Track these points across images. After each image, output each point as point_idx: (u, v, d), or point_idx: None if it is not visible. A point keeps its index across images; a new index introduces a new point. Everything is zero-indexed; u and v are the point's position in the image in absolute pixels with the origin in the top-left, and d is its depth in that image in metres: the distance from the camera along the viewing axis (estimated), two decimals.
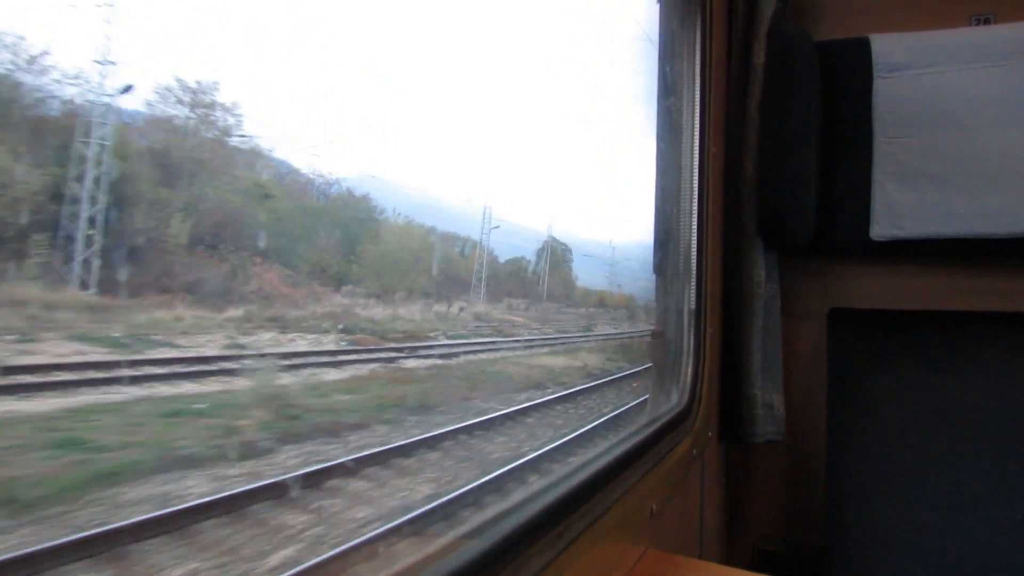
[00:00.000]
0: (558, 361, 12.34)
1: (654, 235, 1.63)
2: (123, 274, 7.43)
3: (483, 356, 11.44)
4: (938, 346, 1.79)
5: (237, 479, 4.12)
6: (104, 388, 5.00)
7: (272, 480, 4.08)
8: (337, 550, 3.07)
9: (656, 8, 1.60)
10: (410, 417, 6.41)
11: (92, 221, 7.45)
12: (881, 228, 1.84)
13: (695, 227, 1.58)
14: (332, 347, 9.18)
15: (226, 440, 4.72)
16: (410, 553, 0.64)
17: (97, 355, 5.70)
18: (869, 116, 1.85)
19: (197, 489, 3.86)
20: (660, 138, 1.62)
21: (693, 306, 1.57)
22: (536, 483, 0.90)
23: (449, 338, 12.80)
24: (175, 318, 7.61)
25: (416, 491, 4.52)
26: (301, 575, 2.81)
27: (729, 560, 1.95)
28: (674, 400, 1.50)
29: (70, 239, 7.13)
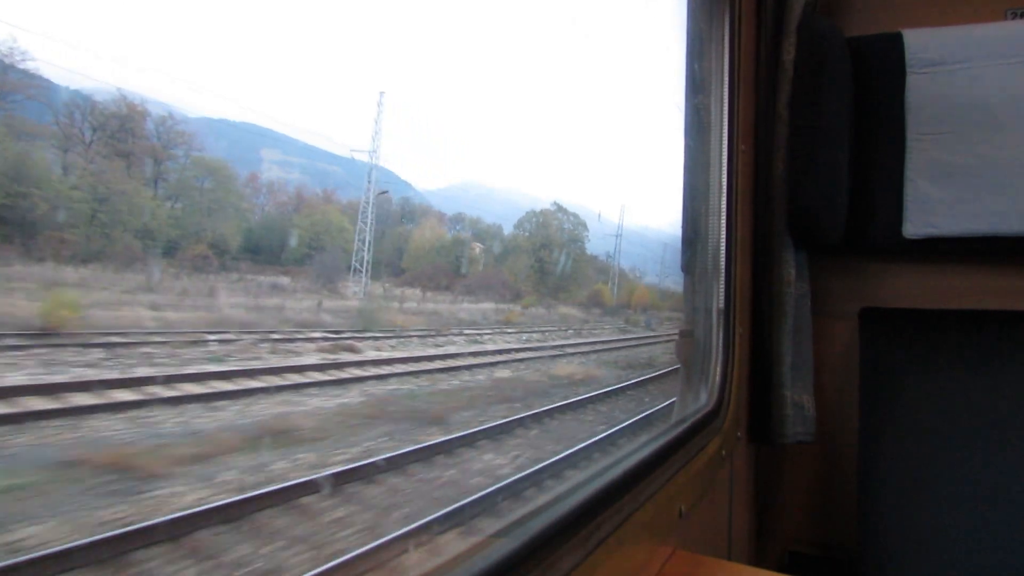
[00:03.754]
0: None
1: (682, 233, 1.62)
2: None
3: None
4: (973, 346, 1.75)
5: None
6: None
7: None
8: None
9: (684, 4, 1.59)
10: None
11: None
12: (914, 226, 1.80)
13: (724, 226, 1.57)
14: None
15: None
16: (442, 552, 0.65)
17: None
18: (902, 112, 1.81)
19: None
20: (688, 136, 1.61)
21: (722, 305, 1.56)
22: (566, 483, 0.90)
23: None
24: None
25: None
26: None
27: (758, 562, 1.94)
28: (703, 400, 1.49)
29: None
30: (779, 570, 1.22)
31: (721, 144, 1.59)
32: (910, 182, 1.80)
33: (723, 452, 1.44)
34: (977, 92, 1.74)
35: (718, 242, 1.57)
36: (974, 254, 1.84)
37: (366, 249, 16.84)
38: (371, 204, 17.35)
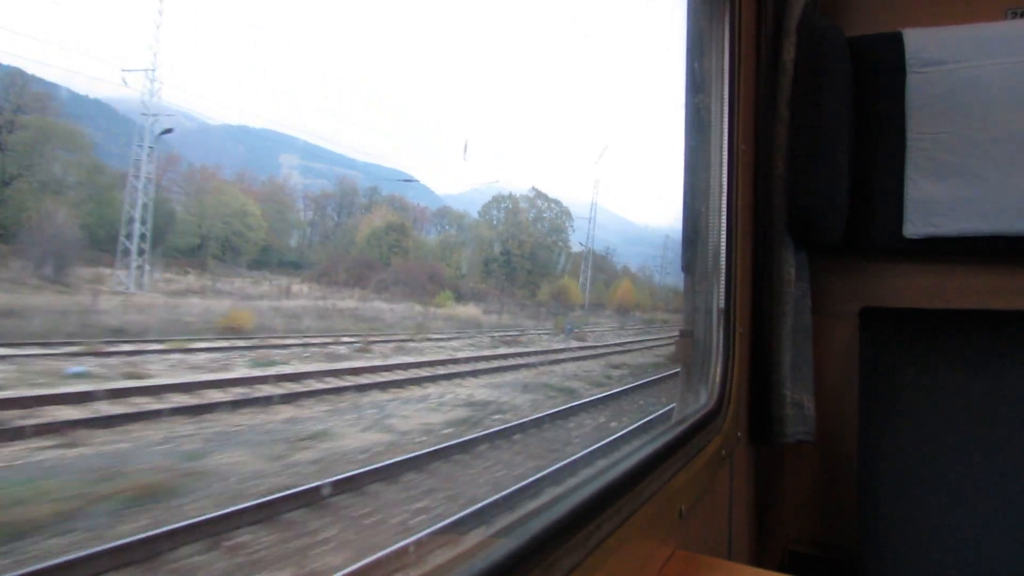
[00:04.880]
0: None
1: (682, 233, 1.62)
2: None
3: None
4: (973, 346, 1.75)
5: None
6: None
7: None
8: None
9: (684, 4, 1.59)
10: None
11: None
12: (915, 226, 1.80)
13: (724, 225, 1.57)
14: None
15: None
16: (442, 552, 0.64)
17: None
18: (902, 112, 1.81)
19: None
20: (688, 135, 1.61)
21: (722, 305, 1.56)
22: (566, 483, 0.89)
23: None
24: None
25: None
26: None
27: (759, 561, 1.93)
28: (703, 400, 1.49)
29: None
30: (779, 570, 1.22)
31: (721, 143, 1.58)
32: (910, 181, 1.80)
33: (723, 452, 1.44)
34: (977, 91, 1.74)
35: (718, 242, 1.57)
36: (975, 254, 1.84)
37: (139, 219, 11.30)
38: (145, 149, 11.56)
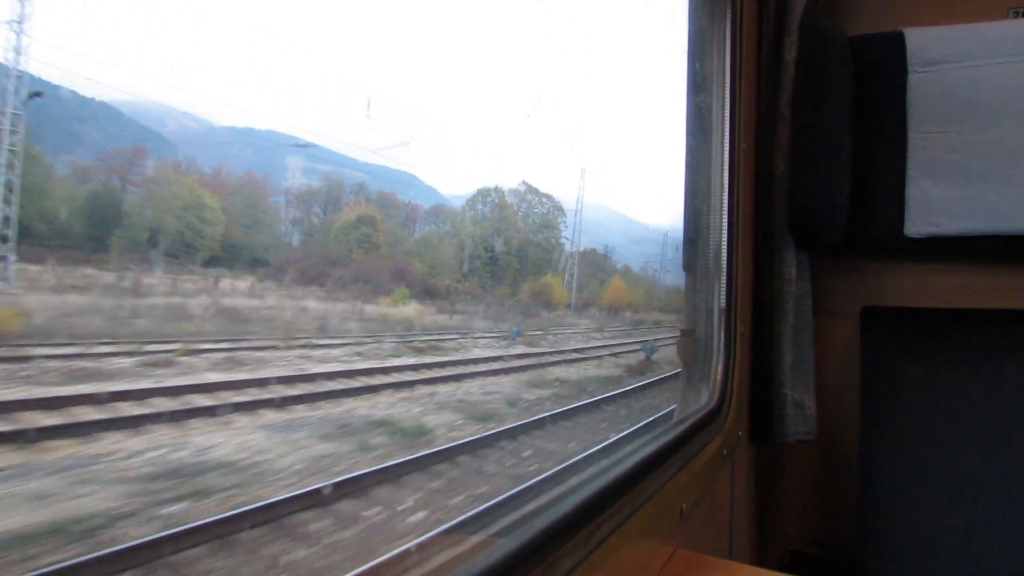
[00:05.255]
0: None
1: (684, 233, 1.62)
2: None
3: None
4: (974, 345, 1.75)
5: None
6: None
7: None
8: None
9: (685, 3, 1.59)
10: None
11: None
12: (916, 225, 1.80)
13: (725, 225, 1.56)
14: None
15: None
16: (442, 552, 0.64)
17: None
18: (903, 111, 1.81)
19: None
20: (689, 134, 1.61)
21: (723, 304, 1.56)
22: (566, 483, 0.90)
23: None
24: None
25: None
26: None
27: (759, 561, 1.93)
28: (704, 399, 1.49)
29: None
30: (780, 569, 1.22)
31: (723, 143, 1.58)
32: (912, 181, 1.80)
33: (724, 451, 1.44)
34: (979, 91, 1.74)
35: (719, 241, 1.57)
36: (976, 253, 1.84)
37: (1, 199, 8.98)
38: (8, 116, 9.31)
